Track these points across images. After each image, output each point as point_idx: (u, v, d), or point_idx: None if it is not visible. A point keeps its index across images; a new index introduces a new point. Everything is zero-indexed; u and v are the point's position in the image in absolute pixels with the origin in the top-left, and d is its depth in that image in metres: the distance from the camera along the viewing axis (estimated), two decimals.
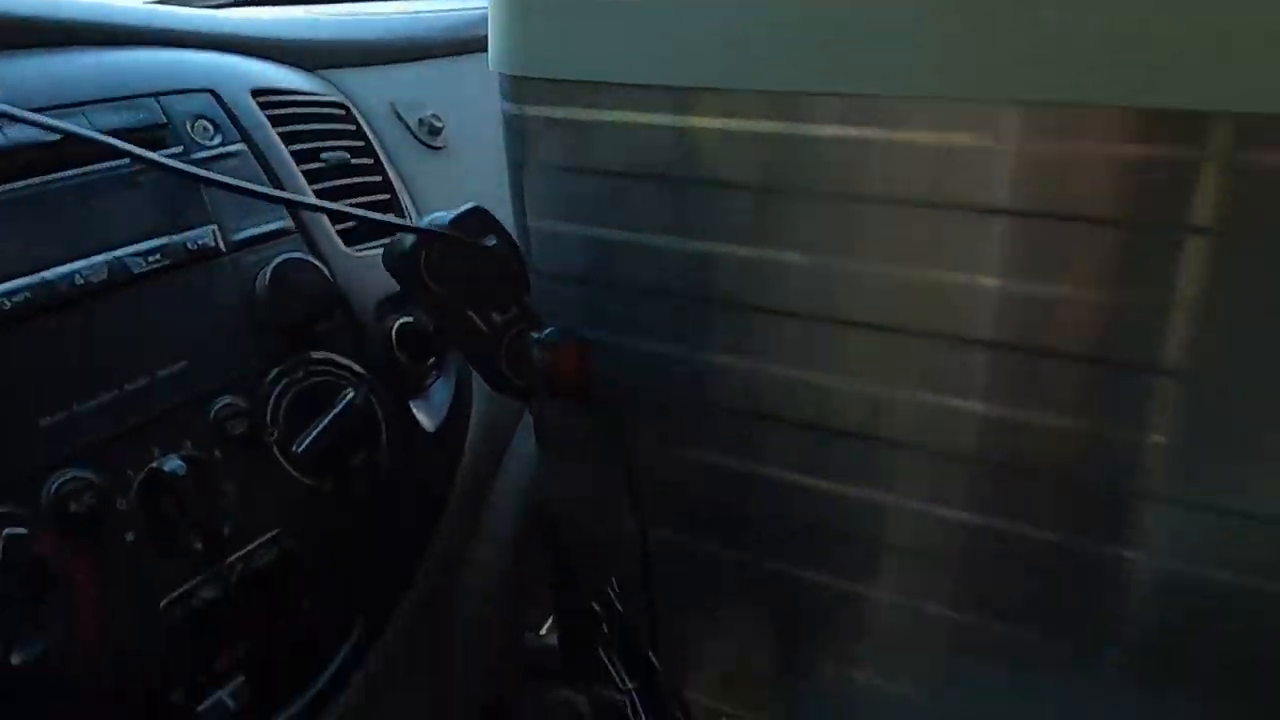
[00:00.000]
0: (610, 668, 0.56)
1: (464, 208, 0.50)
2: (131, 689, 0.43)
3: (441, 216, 0.49)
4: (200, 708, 0.45)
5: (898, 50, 0.46)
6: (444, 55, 0.79)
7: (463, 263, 0.50)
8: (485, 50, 0.86)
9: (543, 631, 1.01)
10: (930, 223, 0.49)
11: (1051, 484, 0.53)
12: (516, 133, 0.59)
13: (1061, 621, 0.55)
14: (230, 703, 0.45)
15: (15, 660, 0.39)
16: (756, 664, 0.68)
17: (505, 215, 0.68)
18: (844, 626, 0.62)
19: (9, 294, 0.43)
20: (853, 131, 0.48)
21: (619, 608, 0.57)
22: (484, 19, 0.90)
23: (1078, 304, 0.49)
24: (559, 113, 0.57)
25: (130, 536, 0.44)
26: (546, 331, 0.51)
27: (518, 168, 0.60)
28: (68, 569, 0.41)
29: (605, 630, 0.57)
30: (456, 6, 0.86)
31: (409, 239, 0.53)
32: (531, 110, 0.58)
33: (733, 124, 0.52)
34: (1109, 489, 0.51)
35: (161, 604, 0.44)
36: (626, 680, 0.55)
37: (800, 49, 0.47)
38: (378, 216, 0.49)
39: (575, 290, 0.61)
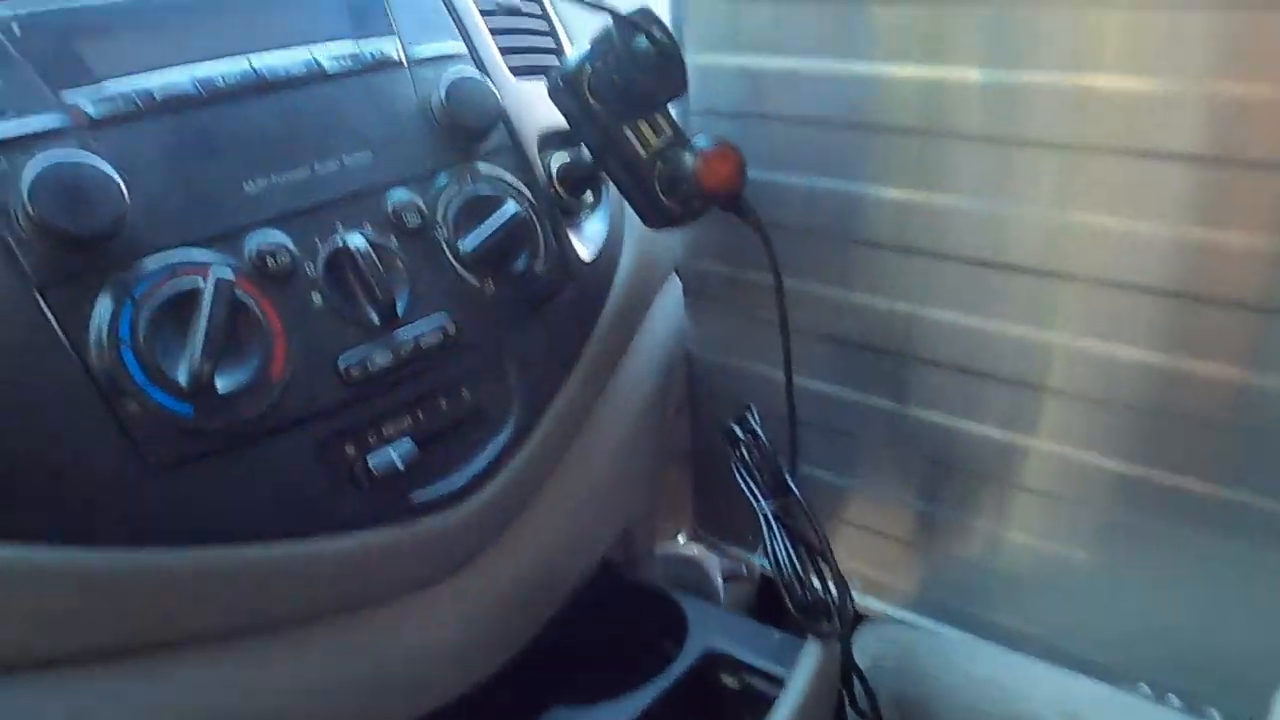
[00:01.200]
0: (746, 489, 0.57)
1: (634, 8, 0.52)
2: (311, 431, 0.47)
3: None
4: (370, 458, 0.49)
5: None
6: None
7: (625, 68, 0.51)
8: None
9: (682, 540, 1.04)
10: (1101, 167, 0.48)
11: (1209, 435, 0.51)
12: None
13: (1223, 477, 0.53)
14: (397, 460, 0.49)
15: (221, 387, 0.44)
16: (900, 525, 0.68)
17: None
18: (998, 483, 0.61)
19: (224, 75, 0.48)
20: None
21: (759, 433, 0.58)
22: None
23: (1256, 253, 0.46)
24: None
25: (317, 298, 0.48)
26: (701, 142, 0.53)
27: (680, 1, 0.61)
28: (265, 315, 0.46)
29: (743, 453, 0.58)
30: None
31: (572, 61, 0.55)
32: None
33: None
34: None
35: (340, 361, 0.48)
36: (763, 501, 0.56)
37: None
38: None
39: (730, 125, 0.62)
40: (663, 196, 0.57)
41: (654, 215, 0.58)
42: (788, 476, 0.57)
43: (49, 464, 0.41)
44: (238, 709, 0.48)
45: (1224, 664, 0.56)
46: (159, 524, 0.43)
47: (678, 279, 0.75)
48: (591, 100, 0.55)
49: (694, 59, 0.62)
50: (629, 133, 0.56)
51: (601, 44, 0.52)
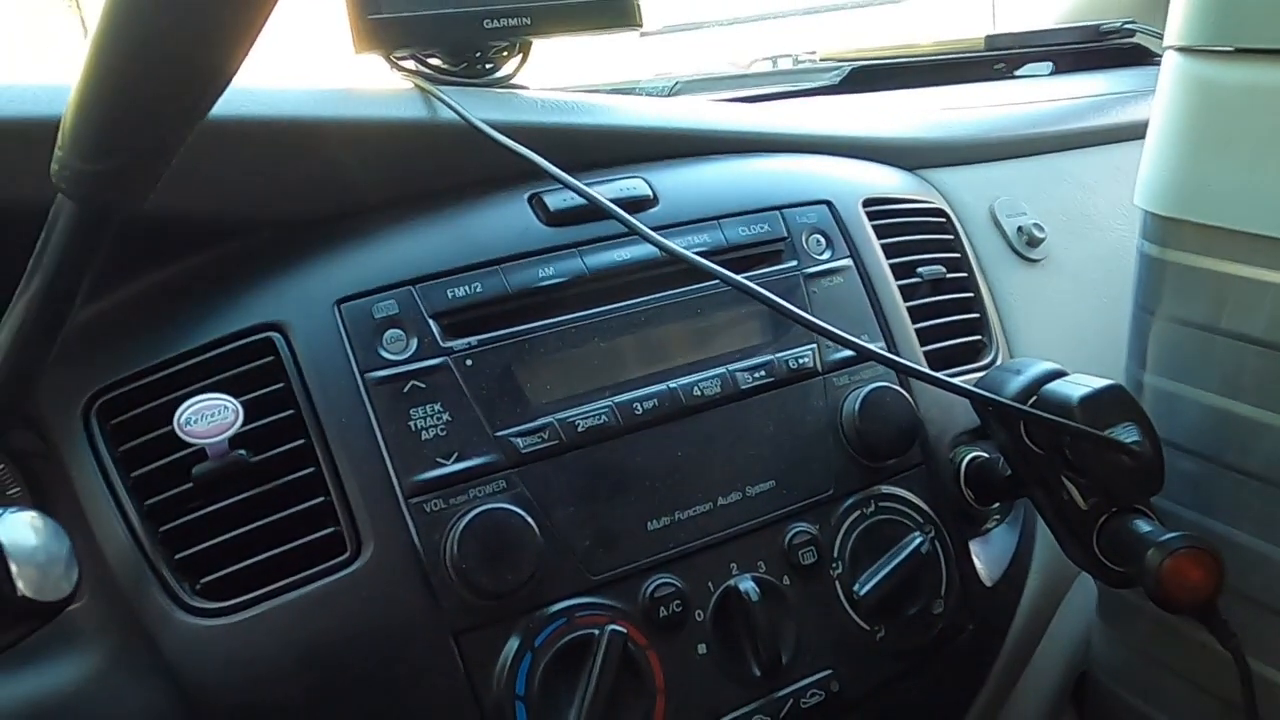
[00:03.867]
0: None
1: (1097, 385, 0.44)
2: None
3: (1072, 394, 0.44)
4: None
5: None
6: (1049, 151, 0.73)
7: (1086, 458, 0.44)
8: (1093, 144, 0.77)
9: None
10: None
11: None
12: (1152, 277, 0.51)
13: None
14: None
15: None
16: None
17: (1101, 350, 0.60)
18: None
19: (643, 399, 0.47)
20: None
21: None
22: (1092, 108, 0.82)
23: None
24: (1210, 264, 0.48)
25: (702, 649, 0.46)
26: (1170, 535, 0.43)
27: (1145, 315, 0.52)
28: (650, 670, 0.44)
29: None
30: (1058, 95, 0.79)
31: (1015, 382, 0.48)
32: (1175, 256, 0.50)
33: None
34: None
35: None
36: None
37: None
38: (979, 392, 0.45)
39: (1189, 464, 0.52)
40: (1102, 557, 0.48)
41: (1085, 566, 0.49)
42: None
43: None
44: None
45: None
46: None
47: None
48: (1027, 441, 0.48)
49: (1152, 381, 0.53)
50: (1068, 481, 0.48)
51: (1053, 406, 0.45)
